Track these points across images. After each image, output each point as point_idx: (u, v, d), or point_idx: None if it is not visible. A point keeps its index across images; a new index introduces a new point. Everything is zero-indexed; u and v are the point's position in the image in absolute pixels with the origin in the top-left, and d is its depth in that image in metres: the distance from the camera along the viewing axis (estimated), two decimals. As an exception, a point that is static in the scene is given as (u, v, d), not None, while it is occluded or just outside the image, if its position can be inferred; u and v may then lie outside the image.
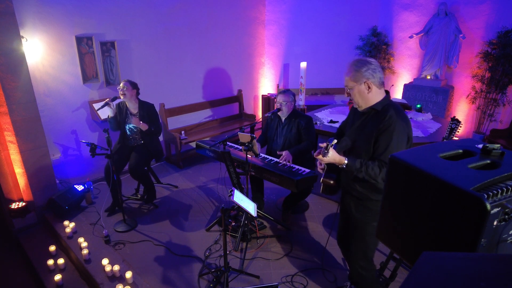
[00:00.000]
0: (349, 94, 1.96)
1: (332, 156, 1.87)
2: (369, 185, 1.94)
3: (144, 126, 3.52)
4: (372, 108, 1.91)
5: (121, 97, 3.54)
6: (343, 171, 2.02)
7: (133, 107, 3.65)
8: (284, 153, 3.22)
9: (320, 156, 1.89)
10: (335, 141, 1.86)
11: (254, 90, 6.72)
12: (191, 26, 5.23)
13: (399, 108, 1.90)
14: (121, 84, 3.53)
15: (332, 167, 2.07)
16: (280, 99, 3.37)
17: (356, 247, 2.16)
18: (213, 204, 4.03)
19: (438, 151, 1.14)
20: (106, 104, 3.48)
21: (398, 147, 1.82)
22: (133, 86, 3.58)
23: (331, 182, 2.08)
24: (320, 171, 2.14)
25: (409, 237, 1.11)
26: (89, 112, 4.38)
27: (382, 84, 1.91)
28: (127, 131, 3.70)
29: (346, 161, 1.89)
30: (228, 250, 3.09)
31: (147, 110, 3.65)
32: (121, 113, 3.65)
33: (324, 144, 1.88)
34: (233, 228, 3.34)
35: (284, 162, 3.19)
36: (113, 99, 3.53)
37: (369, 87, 1.87)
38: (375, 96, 1.90)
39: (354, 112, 2.12)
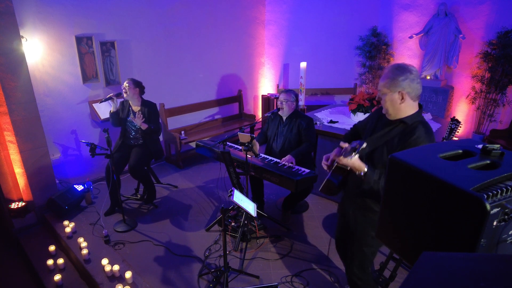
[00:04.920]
0: (380, 99, 1.82)
1: (355, 160, 1.73)
2: (375, 196, 1.84)
3: (143, 126, 3.56)
4: (402, 121, 1.78)
5: (124, 95, 3.59)
6: (352, 176, 1.86)
7: (135, 105, 3.69)
8: (287, 157, 3.23)
9: (341, 157, 1.74)
10: (365, 144, 1.70)
11: (254, 90, 6.72)
12: (191, 26, 5.23)
13: (429, 127, 1.77)
14: (125, 83, 3.58)
15: (340, 169, 1.87)
16: (281, 97, 3.39)
17: (352, 256, 2.07)
18: (213, 204, 4.03)
19: (438, 151, 1.14)
20: (110, 98, 3.56)
21: None
22: (136, 84, 3.61)
23: (335, 183, 1.90)
24: (324, 167, 1.97)
25: (409, 237, 1.11)
26: (89, 112, 4.38)
27: (418, 97, 1.78)
28: (127, 129, 3.73)
29: (366, 169, 1.75)
30: (228, 250, 3.09)
31: (148, 108, 3.67)
32: (124, 110, 3.71)
33: (346, 145, 1.76)
34: (233, 228, 3.33)
35: (288, 164, 3.19)
36: (117, 95, 3.61)
37: (402, 98, 1.74)
38: (407, 108, 1.77)
39: (378, 117, 1.97)
